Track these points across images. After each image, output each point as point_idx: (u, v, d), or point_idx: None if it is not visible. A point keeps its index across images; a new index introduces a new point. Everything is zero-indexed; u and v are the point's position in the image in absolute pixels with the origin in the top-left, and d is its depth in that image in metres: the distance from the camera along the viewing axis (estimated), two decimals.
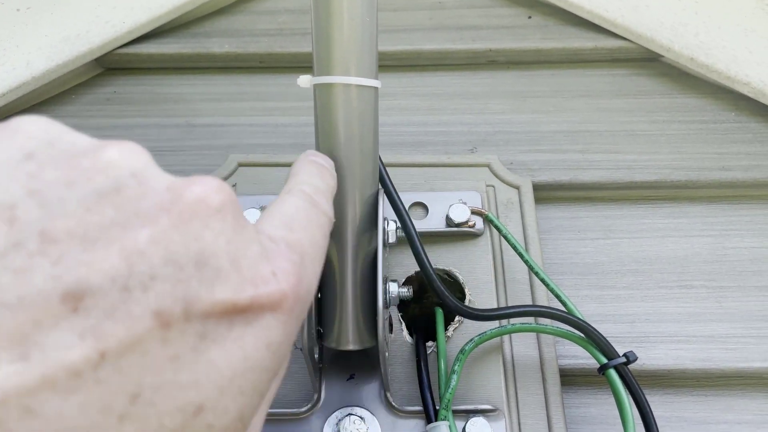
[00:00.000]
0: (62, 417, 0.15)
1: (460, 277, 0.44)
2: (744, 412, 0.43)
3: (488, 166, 0.50)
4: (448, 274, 0.45)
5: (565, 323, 0.39)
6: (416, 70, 0.61)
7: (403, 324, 0.43)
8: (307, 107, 0.58)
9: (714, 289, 0.47)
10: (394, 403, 0.39)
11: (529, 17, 0.62)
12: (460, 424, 0.38)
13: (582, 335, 0.39)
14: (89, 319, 0.16)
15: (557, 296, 0.41)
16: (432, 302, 0.48)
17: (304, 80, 0.35)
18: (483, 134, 0.56)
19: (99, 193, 0.18)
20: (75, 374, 0.16)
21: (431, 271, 0.37)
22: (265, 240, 0.22)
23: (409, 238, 0.38)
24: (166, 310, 0.17)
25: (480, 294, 0.44)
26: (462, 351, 0.39)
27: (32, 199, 0.17)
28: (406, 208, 0.39)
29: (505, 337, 0.42)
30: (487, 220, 0.46)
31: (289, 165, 0.50)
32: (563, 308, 0.40)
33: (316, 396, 0.39)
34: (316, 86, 0.34)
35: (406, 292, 0.38)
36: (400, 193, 0.38)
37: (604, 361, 0.38)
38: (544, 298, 0.44)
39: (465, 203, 0.46)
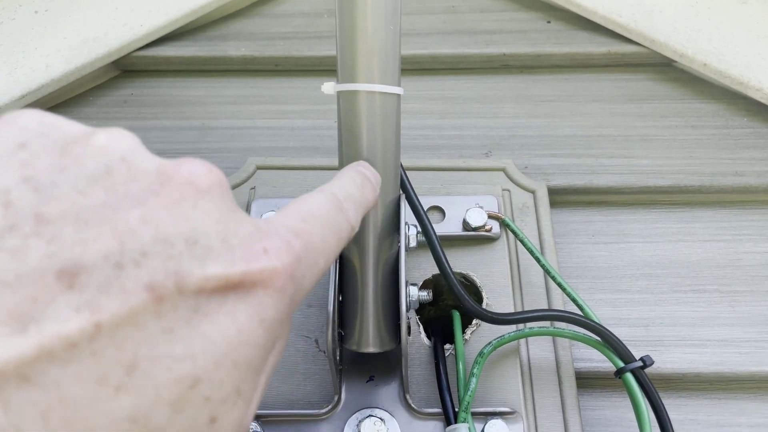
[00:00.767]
0: (59, 386, 0.16)
1: (477, 281, 0.45)
2: (757, 415, 0.43)
3: (503, 170, 0.51)
4: (465, 277, 0.45)
5: (583, 327, 0.39)
6: (430, 74, 0.62)
7: (421, 327, 0.44)
8: (323, 111, 0.59)
9: (727, 294, 0.48)
10: (413, 405, 0.39)
11: (548, 22, 0.62)
12: (478, 426, 0.38)
13: (599, 339, 0.40)
14: (84, 294, 0.17)
15: (574, 300, 0.42)
16: (447, 305, 0.49)
17: (328, 87, 0.36)
18: (497, 138, 0.56)
19: (90, 177, 0.19)
20: (71, 345, 0.16)
21: (452, 275, 0.38)
22: (260, 222, 0.22)
23: (430, 242, 0.38)
24: (159, 284, 0.18)
25: (497, 297, 0.44)
26: (481, 354, 0.40)
27: (26, 185, 0.18)
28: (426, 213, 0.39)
29: (522, 341, 0.43)
30: (504, 224, 0.47)
31: (306, 168, 0.51)
32: (580, 312, 0.41)
33: (336, 397, 0.40)
34: (340, 93, 0.35)
35: (426, 295, 0.38)
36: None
37: (621, 364, 0.39)
38: (559, 302, 0.45)
39: (482, 207, 0.47)
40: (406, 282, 0.36)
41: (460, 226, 0.47)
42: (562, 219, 0.52)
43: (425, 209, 0.48)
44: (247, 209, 0.48)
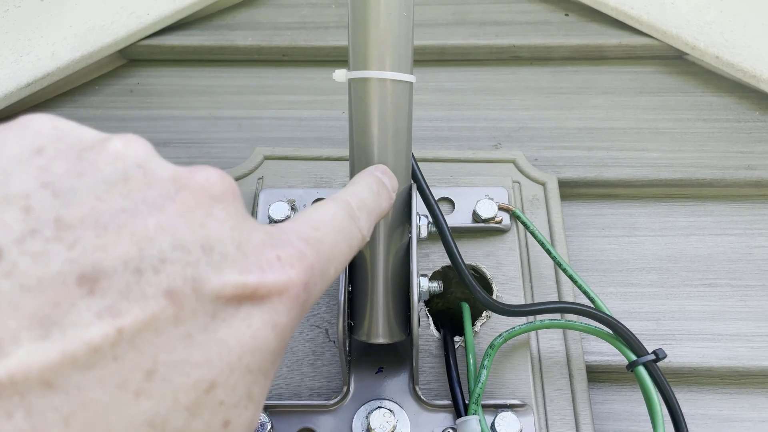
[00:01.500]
0: (81, 391, 0.16)
1: (488, 273, 0.44)
2: None
3: (513, 162, 0.50)
4: (475, 269, 0.45)
5: (594, 320, 0.39)
6: (439, 65, 0.61)
7: (430, 318, 0.43)
8: (330, 101, 0.58)
9: (739, 288, 0.47)
10: (422, 397, 0.39)
11: (566, 14, 0.61)
12: (488, 418, 0.38)
13: (610, 332, 0.39)
14: (105, 300, 0.17)
15: (585, 293, 0.41)
16: (455, 297, 0.48)
17: (340, 75, 0.35)
18: (507, 130, 0.56)
19: (108, 183, 0.19)
20: (94, 350, 0.16)
21: (464, 267, 0.37)
22: (272, 229, 0.23)
23: (442, 233, 0.38)
24: (177, 290, 0.18)
25: (507, 290, 0.44)
26: (491, 346, 0.39)
27: (45, 190, 0.18)
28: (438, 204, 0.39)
29: (532, 333, 0.43)
30: (514, 216, 0.46)
31: (314, 159, 0.51)
32: (591, 305, 0.40)
33: (345, 388, 0.40)
34: (351, 81, 0.34)
35: (436, 286, 0.38)
36: None
37: (633, 358, 0.38)
38: (570, 295, 0.44)
39: (492, 199, 0.46)
40: (417, 272, 0.36)
41: (470, 218, 0.46)
42: (573, 212, 0.51)
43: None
44: (255, 199, 0.48)
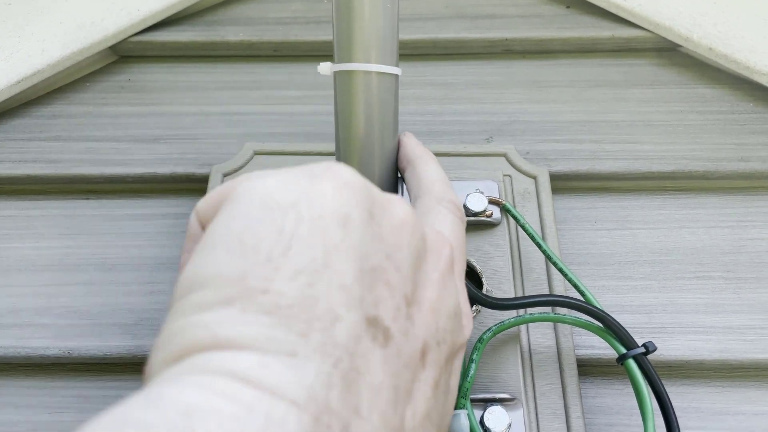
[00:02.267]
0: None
1: (477, 267, 0.44)
2: (761, 403, 0.43)
3: (505, 155, 0.50)
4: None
5: (584, 313, 0.39)
6: (431, 59, 0.61)
7: None
8: (322, 96, 0.58)
9: (732, 281, 0.47)
10: None
11: (568, 7, 0.61)
12: (477, 412, 0.38)
13: (601, 325, 0.39)
14: (431, 371, 0.22)
15: (575, 286, 0.41)
16: None
17: (325, 68, 0.35)
18: (499, 124, 0.55)
19: (416, 257, 0.23)
20: (427, 399, 0.22)
21: None
22: (462, 299, 0.27)
23: None
24: (447, 357, 0.23)
25: (497, 284, 0.43)
26: (480, 340, 0.39)
27: (390, 263, 0.21)
28: None
29: (523, 327, 0.42)
30: (505, 210, 0.46)
31: (305, 154, 0.51)
32: (581, 298, 0.40)
33: None
34: (336, 73, 0.34)
35: None
36: None
37: (623, 351, 0.38)
38: (561, 288, 0.44)
39: (482, 192, 0.46)
40: None
41: None
42: (565, 205, 0.51)
43: None
44: None
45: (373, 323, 0.19)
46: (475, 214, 0.45)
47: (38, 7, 0.61)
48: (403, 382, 0.20)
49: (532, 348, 0.42)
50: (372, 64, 0.33)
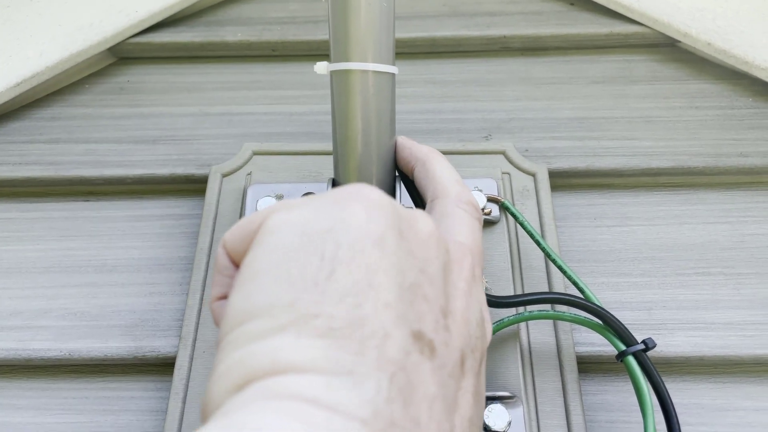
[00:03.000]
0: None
1: None
2: (762, 398, 0.43)
3: (504, 153, 0.50)
4: None
5: (584, 310, 0.39)
6: (430, 57, 0.61)
7: None
8: (320, 95, 0.58)
9: (732, 276, 0.47)
10: None
11: (572, 3, 0.61)
12: None
13: (600, 322, 0.39)
14: (470, 378, 0.23)
15: (575, 283, 0.41)
16: None
17: (321, 67, 0.35)
18: (497, 121, 0.55)
19: (443, 269, 0.23)
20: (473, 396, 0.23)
21: None
22: (483, 305, 0.27)
23: None
24: (479, 364, 0.24)
25: (497, 281, 0.43)
26: None
27: (425, 277, 0.22)
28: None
29: (522, 325, 0.42)
30: (503, 207, 0.46)
31: (303, 153, 0.51)
32: (581, 295, 0.40)
33: None
34: (332, 73, 0.34)
35: None
36: None
37: (623, 348, 0.38)
38: (560, 286, 0.44)
39: (481, 190, 0.46)
40: None
41: None
42: (564, 202, 0.51)
43: None
44: (243, 195, 0.48)
45: (419, 337, 0.20)
46: None
47: (37, 9, 0.61)
48: (450, 391, 0.20)
49: (531, 345, 0.42)
50: (368, 63, 0.33)
